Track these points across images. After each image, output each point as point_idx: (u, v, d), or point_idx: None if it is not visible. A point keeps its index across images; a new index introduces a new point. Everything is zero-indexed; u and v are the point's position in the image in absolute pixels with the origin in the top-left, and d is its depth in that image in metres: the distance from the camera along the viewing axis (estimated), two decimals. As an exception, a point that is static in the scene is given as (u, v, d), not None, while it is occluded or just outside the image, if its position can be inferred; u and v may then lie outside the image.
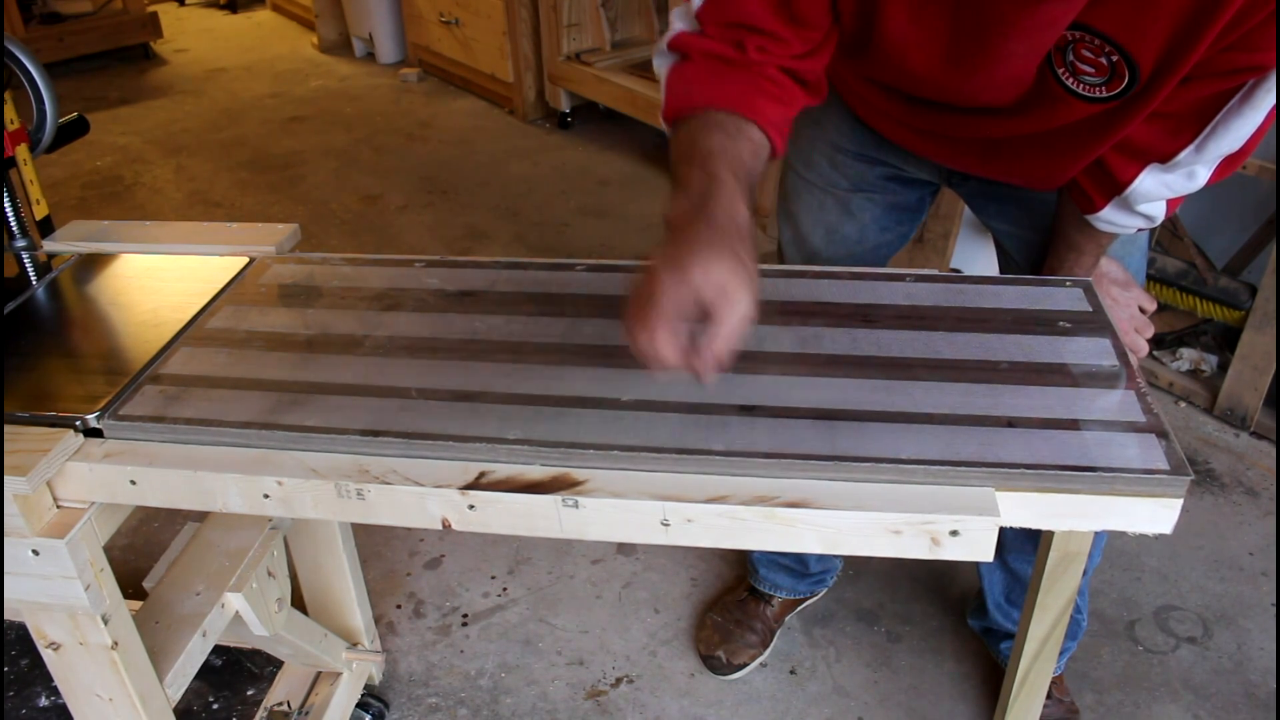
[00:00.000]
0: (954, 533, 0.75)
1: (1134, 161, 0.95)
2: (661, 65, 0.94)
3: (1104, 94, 0.88)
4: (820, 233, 1.29)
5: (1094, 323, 0.96)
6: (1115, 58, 0.85)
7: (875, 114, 1.16)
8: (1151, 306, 1.14)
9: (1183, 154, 0.92)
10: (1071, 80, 0.89)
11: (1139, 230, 1.04)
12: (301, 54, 4.82)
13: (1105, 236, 1.07)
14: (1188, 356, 2.19)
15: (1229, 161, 0.93)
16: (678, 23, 0.92)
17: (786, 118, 0.92)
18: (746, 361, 0.93)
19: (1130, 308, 1.12)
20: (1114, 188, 0.98)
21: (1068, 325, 0.96)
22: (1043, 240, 1.15)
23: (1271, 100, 0.85)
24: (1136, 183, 0.96)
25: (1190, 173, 0.93)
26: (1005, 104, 0.97)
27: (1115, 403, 0.84)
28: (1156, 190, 0.96)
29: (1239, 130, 0.88)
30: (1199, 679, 1.54)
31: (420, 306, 1.05)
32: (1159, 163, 0.94)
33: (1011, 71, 0.91)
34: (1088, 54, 0.86)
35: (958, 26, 0.89)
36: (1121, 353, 0.92)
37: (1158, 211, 0.99)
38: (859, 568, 1.75)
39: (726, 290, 0.73)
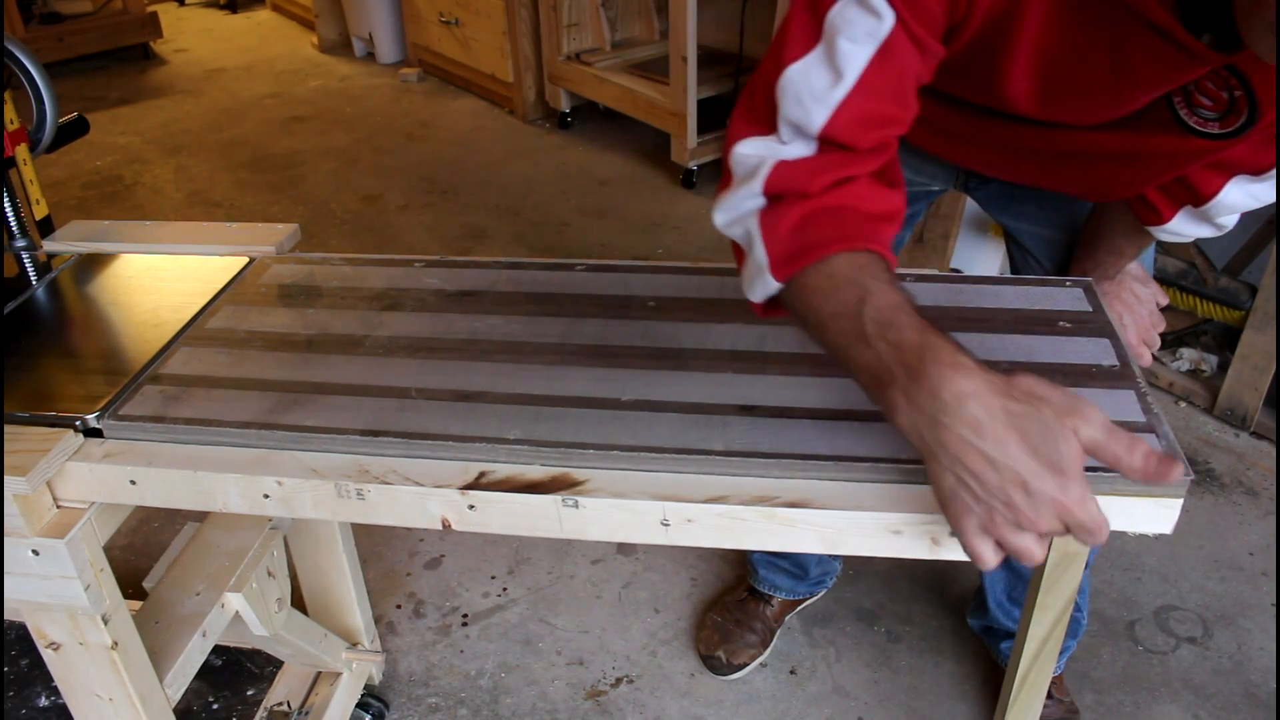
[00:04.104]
0: (954, 533, 0.75)
1: (1220, 174, 0.90)
2: (753, 215, 0.77)
3: (1216, 130, 0.81)
4: None
5: (1094, 323, 0.96)
6: (1239, 93, 0.78)
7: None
8: (1165, 301, 1.12)
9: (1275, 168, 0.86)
10: (1185, 111, 0.81)
11: (1195, 239, 0.99)
12: (301, 54, 4.81)
13: (1149, 241, 1.03)
14: (1188, 356, 2.18)
15: None
16: (776, 150, 0.77)
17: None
18: (746, 361, 0.93)
19: (1150, 304, 1.11)
20: (1194, 200, 0.94)
21: (1068, 325, 0.96)
22: (1065, 238, 1.13)
23: None
24: (1221, 195, 0.91)
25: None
26: (1101, 123, 0.88)
27: (1115, 402, 0.84)
28: (1242, 202, 0.92)
29: None
30: (1199, 679, 1.54)
31: (420, 306, 1.05)
32: (1249, 175, 0.89)
33: (1131, 108, 0.83)
34: (1210, 85, 0.79)
35: (1093, 86, 0.80)
36: (1121, 353, 0.91)
37: (1232, 222, 0.95)
38: (859, 568, 1.75)
39: (1047, 395, 0.65)
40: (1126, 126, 0.85)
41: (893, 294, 0.71)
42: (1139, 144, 0.86)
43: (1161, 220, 0.97)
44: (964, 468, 0.65)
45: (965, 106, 0.95)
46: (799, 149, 0.76)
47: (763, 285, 0.77)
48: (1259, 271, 2.01)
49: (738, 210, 0.78)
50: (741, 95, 0.81)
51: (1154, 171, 0.91)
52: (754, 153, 0.78)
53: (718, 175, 3.27)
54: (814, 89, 0.73)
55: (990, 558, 0.68)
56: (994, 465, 0.64)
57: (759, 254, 0.76)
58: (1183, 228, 0.97)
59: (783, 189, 0.75)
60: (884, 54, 0.72)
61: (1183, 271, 2.13)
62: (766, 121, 0.77)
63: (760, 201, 0.77)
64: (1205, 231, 0.97)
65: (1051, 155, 0.95)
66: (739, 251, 0.81)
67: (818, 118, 0.74)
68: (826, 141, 0.75)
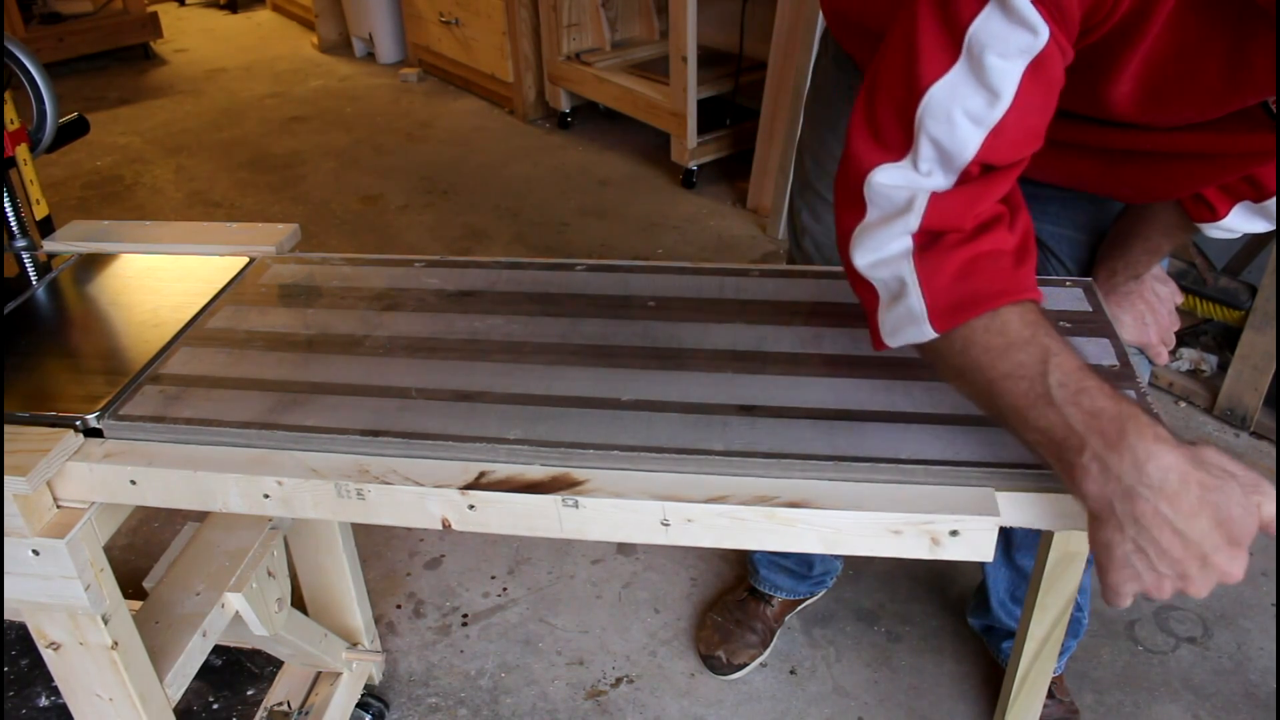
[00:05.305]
0: (954, 533, 0.75)
1: None
2: (906, 259, 0.74)
3: None
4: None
5: (1094, 323, 0.96)
6: None
7: None
8: (1180, 301, 1.12)
9: None
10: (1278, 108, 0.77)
11: (1243, 235, 0.97)
12: (301, 54, 4.81)
13: (1188, 237, 0.99)
14: (1188, 356, 2.18)
15: None
16: (917, 182, 0.73)
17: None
18: (747, 361, 0.93)
19: (1169, 303, 1.11)
20: (1255, 195, 0.91)
21: (1068, 325, 0.96)
22: (1088, 239, 1.11)
23: None
24: None
25: None
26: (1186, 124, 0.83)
27: (1115, 403, 0.84)
28: None
29: None
30: (1199, 679, 1.54)
31: (420, 306, 1.05)
32: None
33: (1230, 110, 0.78)
34: None
35: (1199, 90, 0.76)
36: (1122, 353, 0.92)
37: None
38: (859, 568, 1.75)
39: (1235, 471, 0.67)
40: (1211, 127, 0.81)
41: (1075, 356, 0.70)
42: (1224, 143, 0.82)
43: (1216, 217, 0.94)
44: (1150, 539, 0.66)
45: None
46: (940, 179, 0.72)
47: (915, 334, 0.74)
48: (1259, 271, 2.01)
49: (884, 252, 0.74)
50: (856, 117, 0.75)
51: (1230, 169, 0.88)
52: (896, 183, 0.73)
53: (718, 175, 3.25)
54: (969, 109, 0.69)
55: (1129, 602, 0.69)
56: (1181, 538, 0.66)
57: (914, 302, 0.73)
58: (1237, 223, 0.95)
59: (941, 225, 0.72)
60: (1036, 69, 0.68)
61: (1183, 271, 2.13)
62: (898, 146, 0.72)
63: (909, 243, 0.73)
64: (1259, 226, 0.95)
65: (1118, 154, 0.92)
66: (871, 294, 0.77)
67: (973, 140, 0.70)
68: (973, 164, 0.71)
